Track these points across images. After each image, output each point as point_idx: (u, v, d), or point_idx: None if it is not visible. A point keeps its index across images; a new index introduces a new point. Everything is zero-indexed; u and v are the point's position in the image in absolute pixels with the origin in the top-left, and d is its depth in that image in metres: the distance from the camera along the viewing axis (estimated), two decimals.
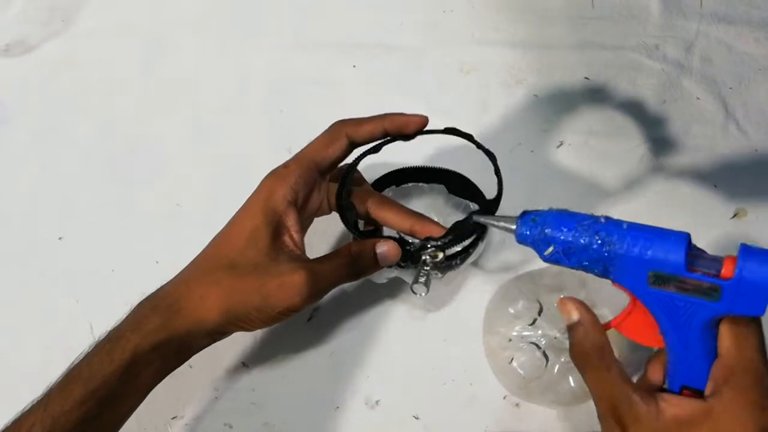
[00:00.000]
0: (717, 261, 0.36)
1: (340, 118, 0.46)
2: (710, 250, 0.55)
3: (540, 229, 0.39)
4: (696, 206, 0.58)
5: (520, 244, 0.41)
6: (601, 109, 0.63)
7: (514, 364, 0.50)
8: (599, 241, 0.37)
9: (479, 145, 0.48)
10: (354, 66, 0.66)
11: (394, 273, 0.50)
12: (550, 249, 0.39)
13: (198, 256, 0.44)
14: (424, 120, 0.46)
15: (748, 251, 0.35)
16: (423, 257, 0.45)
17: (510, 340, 0.51)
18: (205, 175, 0.61)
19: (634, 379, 0.40)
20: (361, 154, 0.48)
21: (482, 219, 0.44)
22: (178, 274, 0.44)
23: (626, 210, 0.58)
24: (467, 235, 0.46)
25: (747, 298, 0.34)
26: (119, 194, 0.60)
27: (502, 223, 0.42)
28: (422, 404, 0.51)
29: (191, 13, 0.70)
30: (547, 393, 0.49)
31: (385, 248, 0.44)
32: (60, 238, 0.58)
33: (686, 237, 0.36)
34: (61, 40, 0.68)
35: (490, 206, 0.47)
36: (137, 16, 0.70)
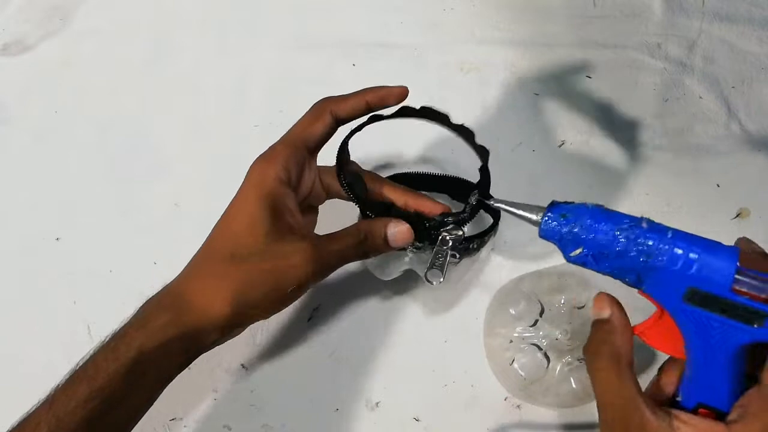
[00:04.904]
0: (764, 282, 0.33)
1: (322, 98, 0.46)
2: None
3: (570, 227, 0.35)
4: (698, 206, 0.58)
5: (543, 239, 0.36)
6: (603, 108, 0.62)
7: (515, 365, 0.50)
8: (638, 249, 0.33)
9: (453, 126, 0.46)
10: (354, 65, 0.66)
11: (402, 269, 0.49)
12: (579, 251, 0.35)
13: (199, 251, 0.44)
14: (405, 90, 0.45)
15: None
16: (442, 235, 0.44)
17: (511, 341, 0.50)
18: (204, 176, 0.61)
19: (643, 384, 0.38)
20: (349, 133, 0.46)
21: (503, 205, 0.39)
22: (182, 272, 0.43)
23: (628, 209, 0.56)
24: (484, 207, 0.44)
25: None
26: (117, 194, 0.60)
27: (524, 213, 0.37)
28: (423, 406, 0.51)
29: (191, 12, 0.70)
30: (549, 394, 0.49)
31: (396, 230, 0.44)
32: (57, 239, 0.58)
33: (737, 254, 0.32)
34: (60, 39, 0.68)
35: (480, 186, 0.45)
36: (136, 16, 0.70)
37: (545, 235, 0.36)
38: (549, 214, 0.36)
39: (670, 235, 0.34)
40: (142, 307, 0.42)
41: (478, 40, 0.67)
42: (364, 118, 0.46)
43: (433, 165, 0.59)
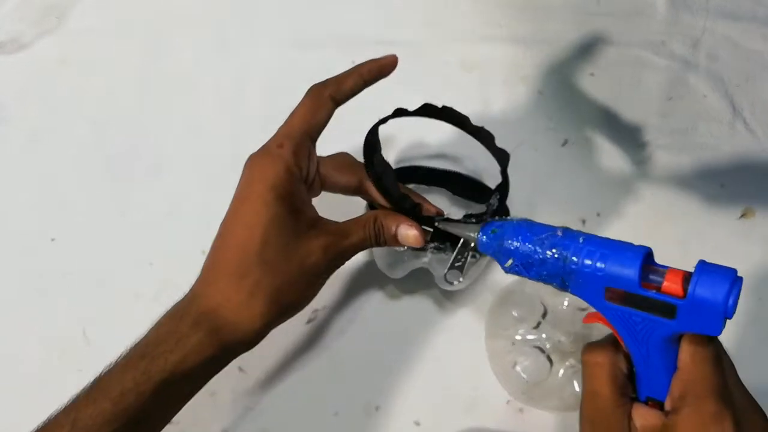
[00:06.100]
0: (672, 277, 0.35)
1: (315, 83, 0.45)
2: (717, 251, 0.55)
3: (499, 241, 0.39)
4: (703, 206, 0.57)
5: (483, 253, 0.41)
6: (607, 107, 0.62)
7: (518, 368, 0.49)
8: (555, 256, 0.37)
9: (473, 129, 0.46)
10: (353, 62, 0.65)
11: (414, 268, 0.49)
12: (510, 262, 0.39)
13: (216, 259, 0.41)
14: (395, 58, 0.46)
15: (702, 269, 0.34)
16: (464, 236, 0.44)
17: (513, 343, 0.50)
18: (203, 176, 0.60)
19: None
20: (377, 122, 0.46)
21: (447, 226, 0.44)
22: (203, 284, 0.41)
23: (632, 209, 0.57)
24: (503, 210, 0.46)
25: (702, 318, 0.33)
26: (114, 194, 0.59)
27: (465, 232, 0.42)
28: (423, 410, 0.50)
29: (188, 10, 0.69)
30: (551, 398, 0.48)
31: (405, 232, 0.44)
32: (53, 239, 0.57)
33: (642, 252, 0.35)
34: (56, 37, 0.67)
35: (500, 191, 0.46)
36: (133, 14, 0.69)
37: (482, 249, 0.41)
38: (482, 231, 0.41)
39: (581, 240, 0.37)
40: (167, 321, 0.40)
41: (479, 37, 0.66)
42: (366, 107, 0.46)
43: (447, 161, 0.59)
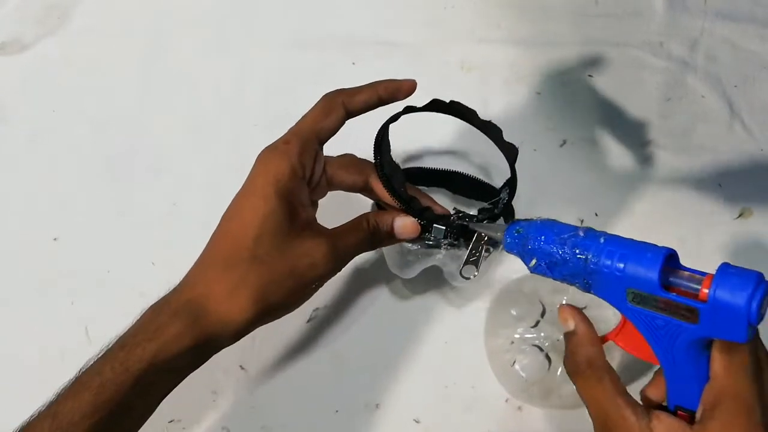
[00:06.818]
0: (697, 280, 0.33)
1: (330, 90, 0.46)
2: (715, 251, 0.55)
3: (523, 242, 0.39)
4: (700, 206, 0.57)
5: (509, 253, 0.41)
6: (605, 107, 0.62)
7: (517, 366, 0.49)
8: (578, 256, 0.36)
9: (480, 123, 0.47)
10: (354, 63, 0.65)
11: (423, 266, 0.49)
12: (534, 261, 0.39)
13: (208, 250, 0.42)
14: (414, 84, 0.46)
15: (724, 272, 0.32)
16: (477, 231, 0.45)
17: (512, 342, 0.50)
18: (203, 175, 0.60)
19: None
20: (387, 120, 0.46)
21: (476, 226, 0.45)
22: (191, 274, 0.41)
23: (630, 209, 0.57)
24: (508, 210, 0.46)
25: (725, 323, 0.32)
26: (115, 194, 0.60)
27: (491, 232, 0.43)
28: (423, 407, 0.50)
29: (189, 10, 0.69)
30: (550, 396, 0.49)
31: (400, 223, 0.45)
32: (55, 239, 0.58)
33: (663, 253, 0.34)
34: (58, 38, 0.68)
35: (507, 188, 0.47)
36: (134, 14, 0.69)
37: (508, 249, 0.41)
38: (507, 232, 0.41)
39: (602, 240, 0.36)
40: (150, 312, 0.40)
41: (479, 38, 0.66)
42: (389, 107, 0.46)
43: (455, 158, 0.60)
